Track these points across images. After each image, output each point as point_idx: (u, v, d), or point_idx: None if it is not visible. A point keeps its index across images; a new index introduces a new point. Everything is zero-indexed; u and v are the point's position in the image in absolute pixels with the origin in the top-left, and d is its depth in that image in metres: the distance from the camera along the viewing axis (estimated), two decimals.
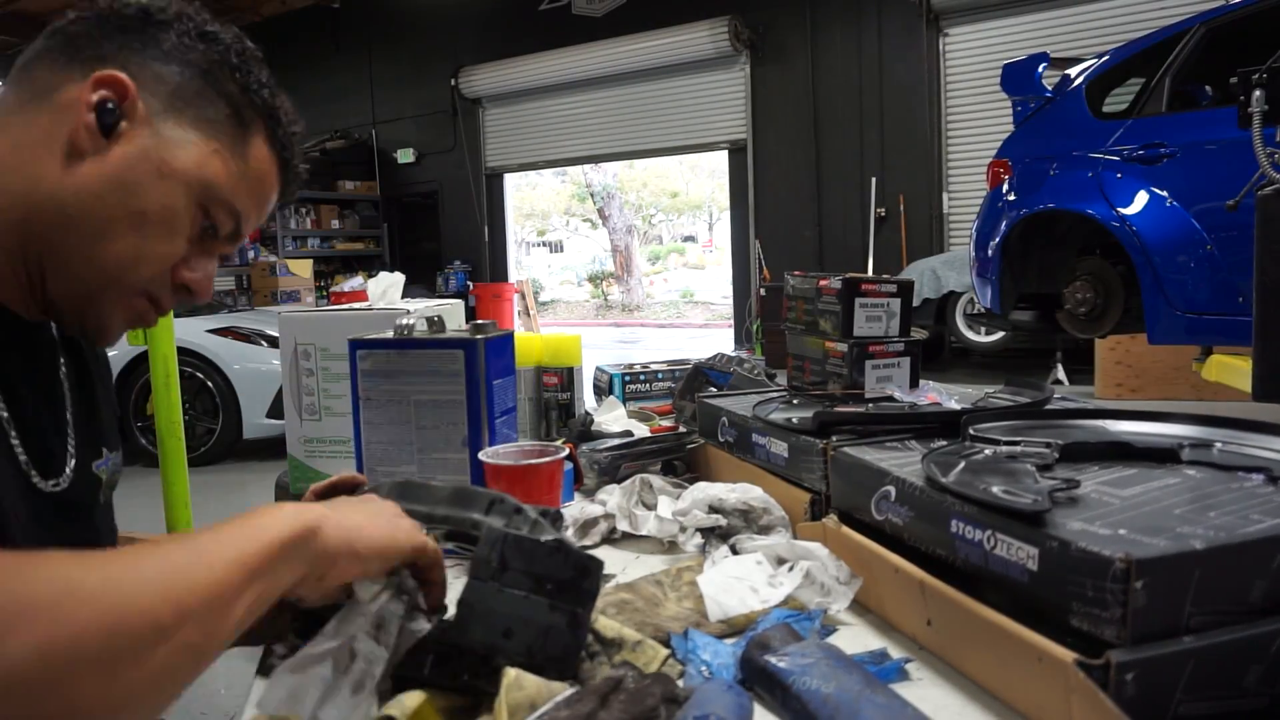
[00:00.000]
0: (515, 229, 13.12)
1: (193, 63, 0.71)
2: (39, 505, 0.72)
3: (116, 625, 0.47)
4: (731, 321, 10.48)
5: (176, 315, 3.22)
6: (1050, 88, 4.29)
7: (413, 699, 0.62)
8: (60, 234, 0.68)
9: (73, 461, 0.77)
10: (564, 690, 0.63)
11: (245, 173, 0.74)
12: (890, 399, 1.20)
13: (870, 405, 1.17)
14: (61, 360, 0.79)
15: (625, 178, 19.73)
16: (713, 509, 1.01)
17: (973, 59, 8.11)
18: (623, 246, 19.49)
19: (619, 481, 1.21)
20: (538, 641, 0.66)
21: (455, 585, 0.70)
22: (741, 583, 0.84)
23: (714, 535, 1.01)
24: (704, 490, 1.02)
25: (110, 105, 0.67)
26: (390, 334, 1.07)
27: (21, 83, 0.70)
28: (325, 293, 10.27)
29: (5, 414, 0.69)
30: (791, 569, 0.86)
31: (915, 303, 5.36)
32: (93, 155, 0.67)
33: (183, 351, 3.64)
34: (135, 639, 0.48)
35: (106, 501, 0.83)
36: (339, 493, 0.82)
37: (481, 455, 0.99)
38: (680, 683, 0.68)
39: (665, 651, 0.72)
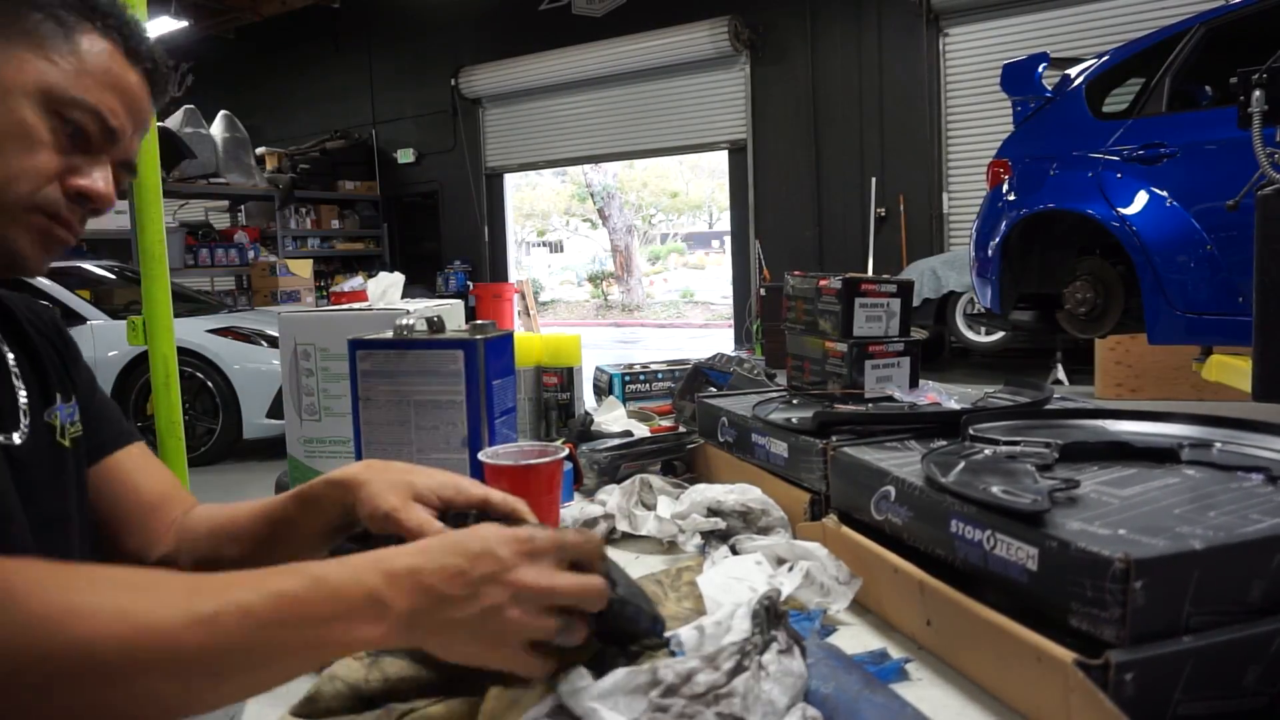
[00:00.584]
0: (515, 229, 13.12)
1: None
2: (10, 460, 0.75)
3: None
4: (731, 321, 10.48)
5: (177, 315, 3.21)
6: (1050, 88, 4.29)
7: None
8: None
9: (26, 415, 0.79)
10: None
11: (82, 67, 0.74)
12: (890, 399, 1.20)
13: (870, 405, 1.17)
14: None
15: (625, 178, 19.73)
16: (711, 511, 1.01)
17: (973, 59, 8.10)
18: (623, 246, 19.49)
19: (619, 481, 1.21)
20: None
21: None
22: (741, 583, 0.84)
23: (714, 536, 1.01)
24: (702, 493, 1.02)
25: None
26: (390, 334, 1.07)
27: None
28: (325, 293, 10.26)
29: None
30: (791, 569, 0.86)
31: (915, 303, 5.36)
32: None
33: (183, 351, 3.64)
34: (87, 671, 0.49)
35: (73, 448, 0.85)
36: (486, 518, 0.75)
37: (481, 455, 0.99)
38: None
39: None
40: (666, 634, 0.74)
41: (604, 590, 0.59)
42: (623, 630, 0.63)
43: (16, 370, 0.81)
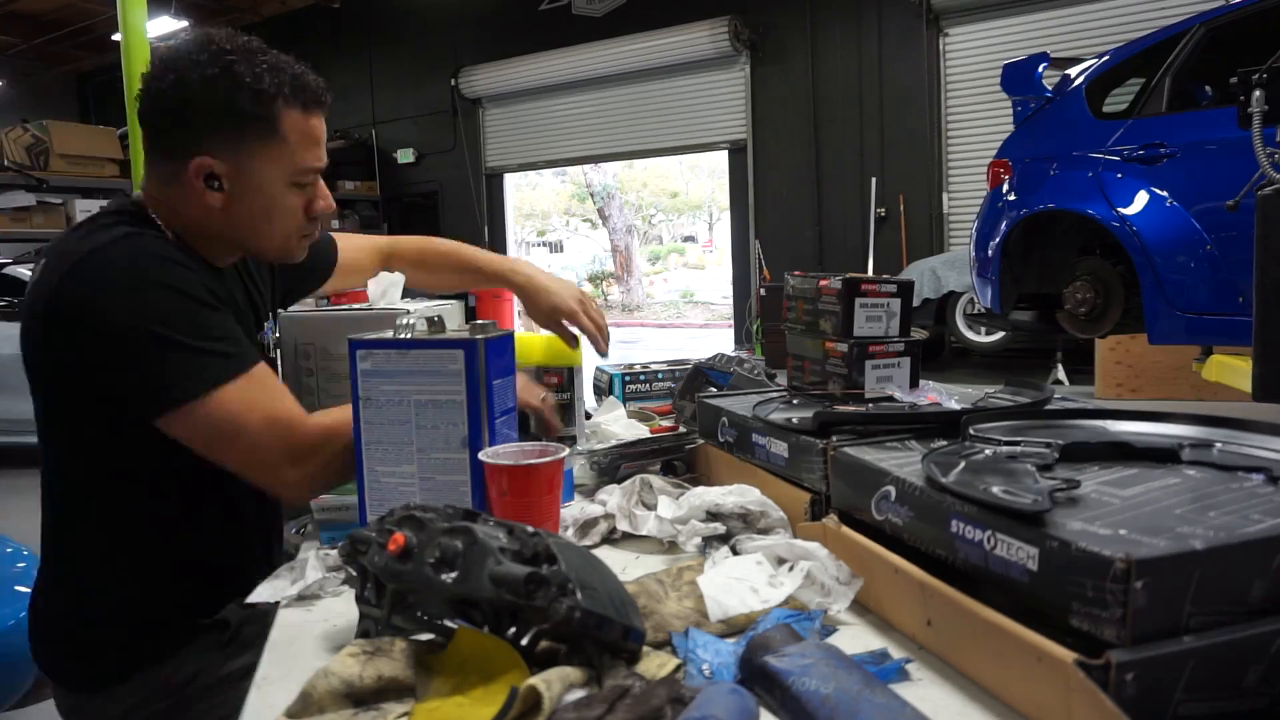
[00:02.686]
0: (515, 229, 13.11)
1: (219, 107, 1.08)
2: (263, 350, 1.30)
3: (345, 455, 1.06)
4: (731, 321, 10.48)
5: None
6: (1050, 88, 4.29)
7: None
8: (232, 235, 1.18)
9: (261, 329, 1.34)
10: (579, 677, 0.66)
11: (296, 140, 1.13)
12: (890, 399, 1.20)
13: (870, 405, 1.17)
14: (243, 281, 1.31)
15: (625, 178, 19.72)
16: (711, 515, 1.01)
17: (973, 59, 8.10)
18: (622, 246, 19.49)
19: (619, 481, 1.21)
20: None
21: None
22: (742, 583, 0.84)
23: (714, 537, 1.01)
24: (701, 496, 1.02)
25: (212, 178, 1.12)
26: (390, 334, 1.07)
27: (154, 166, 1.15)
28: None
29: (242, 303, 1.27)
30: (792, 569, 0.86)
31: (915, 303, 5.36)
32: (218, 204, 1.13)
33: None
34: (347, 455, 1.05)
35: (273, 357, 1.38)
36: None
37: (481, 455, 0.99)
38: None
39: (674, 661, 0.71)
40: (668, 634, 0.74)
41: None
42: (596, 640, 0.69)
43: (247, 305, 1.29)
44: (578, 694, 0.64)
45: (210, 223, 1.14)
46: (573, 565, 0.70)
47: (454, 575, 0.72)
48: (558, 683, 0.64)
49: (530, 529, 0.74)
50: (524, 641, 0.70)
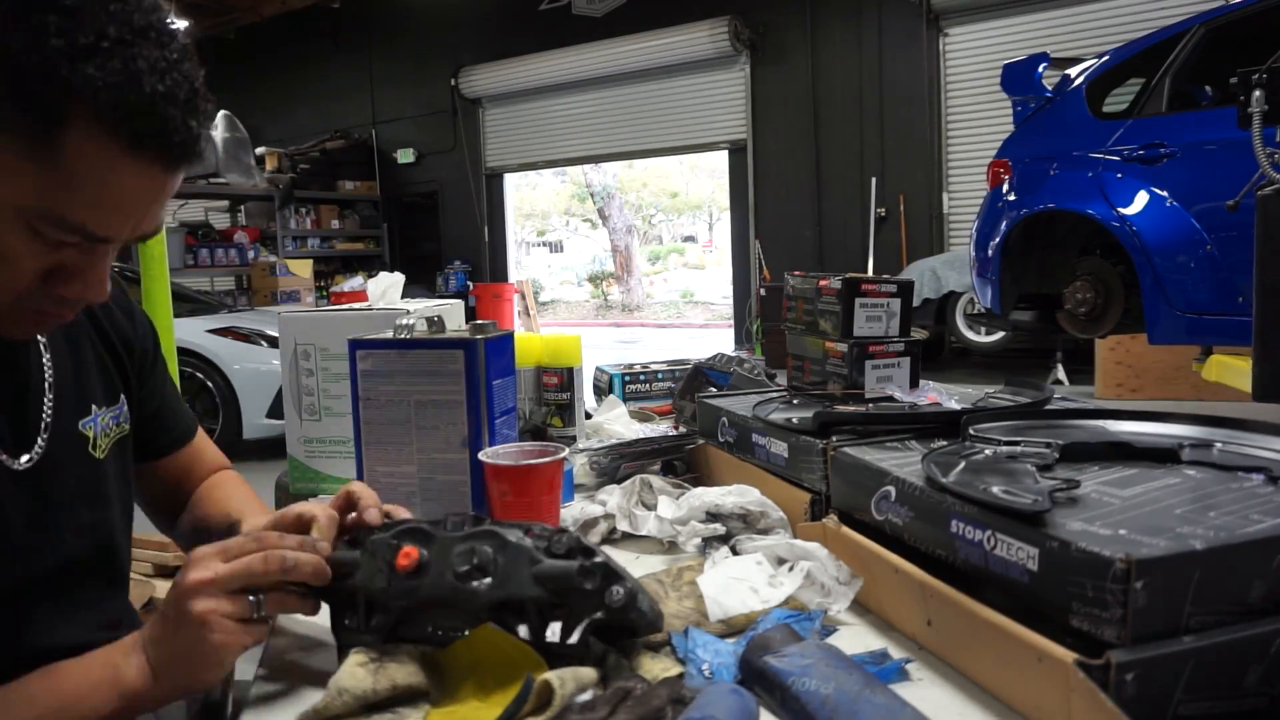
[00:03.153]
0: (515, 229, 13.11)
1: None
2: (16, 483, 0.77)
3: None
4: (731, 321, 10.47)
5: (177, 315, 3.22)
6: (1050, 88, 4.29)
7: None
8: None
9: (46, 431, 0.80)
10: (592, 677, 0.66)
11: (67, 180, 0.60)
12: (890, 399, 1.20)
13: (870, 405, 1.17)
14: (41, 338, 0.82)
15: (625, 178, 19.72)
16: (711, 515, 1.01)
17: (973, 59, 8.10)
18: (623, 246, 19.49)
19: (619, 481, 1.21)
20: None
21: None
22: (742, 583, 0.84)
23: (714, 537, 1.01)
24: (700, 497, 1.02)
25: None
26: (390, 334, 1.07)
27: None
28: (325, 293, 10.27)
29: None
30: (792, 569, 0.86)
31: (915, 303, 5.36)
32: None
33: (183, 351, 3.65)
34: None
35: (110, 457, 0.88)
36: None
37: (481, 455, 0.99)
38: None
39: (678, 668, 0.71)
40: (668, 634, 0.74)
41: (266, 560, 0.69)
42: (633, 621, 0.70)
43: (51, 384, 0.82)
44: (586, 695, 0.64)
45: None
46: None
47: (487, 581, 0.70)
48: (571, 681, 0.64)
49: (549, 527, 0.74)
50: (573, 638, 0.68)
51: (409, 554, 0.71)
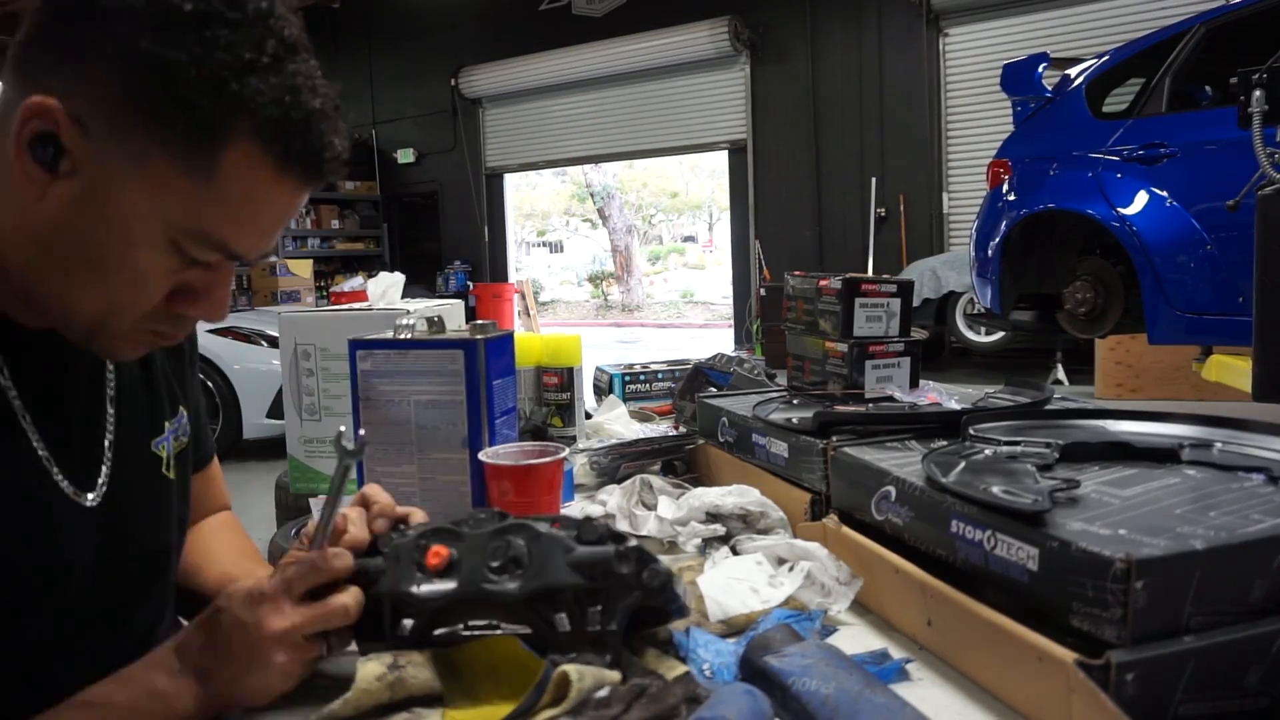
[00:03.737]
0: (515, 229, 13.11)
1: (138, 65, 0.57)
2: (84, 519, 0.72)
3: None
4: (731, 321, 10.48)
5: None
6: (1050, 88, 4.29)
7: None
8: (35, 273, 0.63)
9: (109, 466, 0.75)
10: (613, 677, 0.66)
11: (218, 195, 0.60)
12: (890, 399, 1.20)
13: (870, 405, 1.17)
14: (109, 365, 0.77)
15: (625, 178, 19.73)
16: (711, 516, 1.01)
17: (973, 59, 8.10)
18: (623, 246, 19.49)
19: (619, 481, 1.21)
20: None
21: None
22: (742, 583, 0.83)
23: (714, 537, 1.01)
24: (700, 497, 1.02)
25: (46, 141, 0.58)
26: (390, 334, 1.07)
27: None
28: (325, 293, 10.27)
29: (43, 452, 0.69)
30: (792, 569, 0.86)
31: (915, 303, 5.36)
32: (37, 197, 0.59)
33: None
34: None
35: (176, 474, 0.83)
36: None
37: (482, 455, 0.99)
38: None
39: (683, 667, 0.71)
40: (669, 634, 0.74)
41: (347, 609, 0.68)
42: (667, 603, 0.71)
43: (113, 398, 0.76)
44: (603, 692, 0.64)
45: (9, 223, 0.62)
46: None
47: (521, 574, 0.70)
48: (590, 677, 0.64)
49: (574, 518, 0.74)
50: (613, 625, 0.69)
51: (438, 553, 0.70)
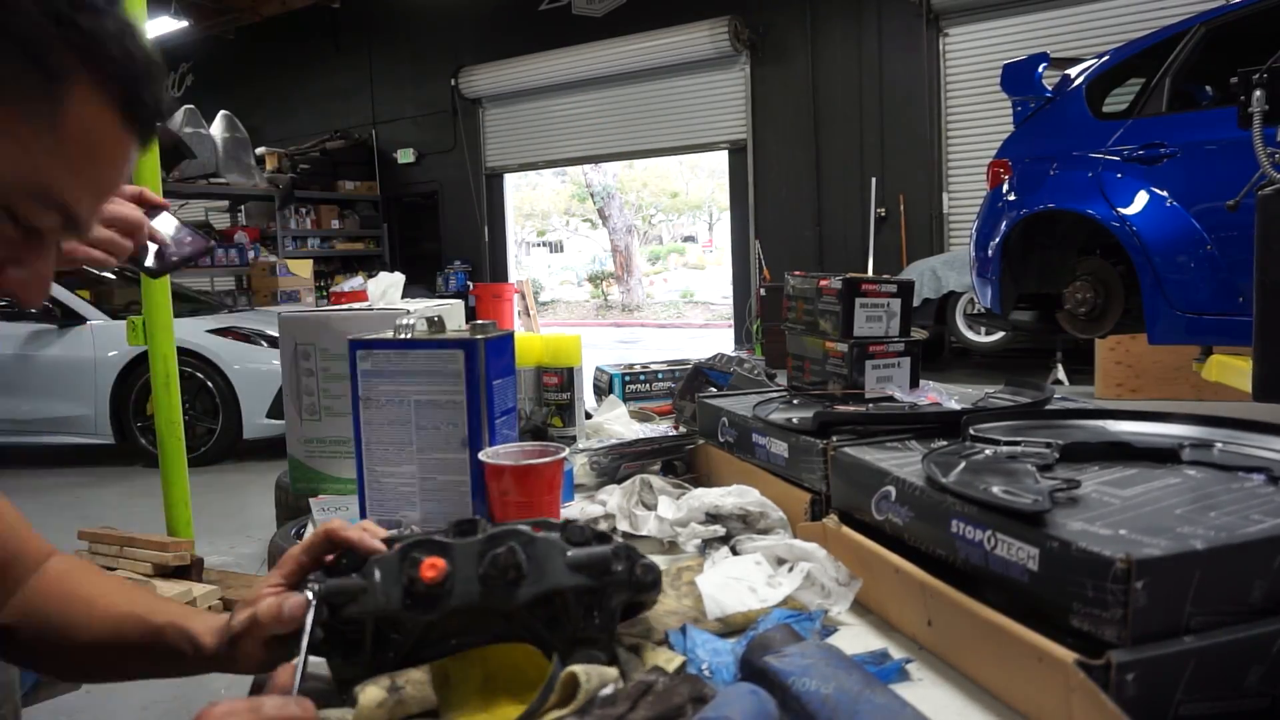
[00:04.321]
0: (515, 229, 13.12)
1: None
2: None
3: None
4: (731, 321, 10.48)
5: (177, 315, 3.22)
6: (1050, 88, 4.29)
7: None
8: None
9: None
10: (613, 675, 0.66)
11: (60, 145, 0.54)
12: (890, 399, 1.20)
13: (870, 405, 1.17)
14: None
15: (625, 178, 19.73)
16: (710, 517, 1.01)
17: (973, 59, 8.10)
18: (623, 246, 19.49)
19: (619, 481, 1.21)
20: None
21: None
22: (740, 582, 0.83)
23: (714, 538, 1.01)
24: (699, 499, 1.02)
25: None
26: (390, 334, 1.07)
27: None
28: (325, 293, 10.27)
29: None
30: (791, 569, 0.86)
31: (915, 303, 5.36)
32: None
33: (183, 351, 3.64)
34: None
35: None
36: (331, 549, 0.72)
37: (482, 455, 0.99)
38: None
39: (680, 658, 0.71)
40: (664, 632, 0.74)
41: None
42: (653, 597, 0.73)
43: None
44: (608, 690, 0.64)
45: None
46: None
47: (522, 580, 0.68)
48: (596, 678, 0.64)
49: (554, 520, 0.74)
50: (611, 623, 0.69)
51: (434, 564, 0.67)
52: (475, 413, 1.02)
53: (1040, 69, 4.30)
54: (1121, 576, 0.56)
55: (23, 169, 0.54)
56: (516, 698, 0.66)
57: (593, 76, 10.23)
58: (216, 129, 9.70)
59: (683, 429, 1.43)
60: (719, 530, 1.00)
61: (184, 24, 11.09)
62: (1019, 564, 0.65)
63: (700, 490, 1.06)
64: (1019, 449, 0.81)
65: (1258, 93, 2.66)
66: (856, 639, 0.78)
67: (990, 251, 4.27)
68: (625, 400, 1.69)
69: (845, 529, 0.88)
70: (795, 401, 1.23)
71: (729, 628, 0.79)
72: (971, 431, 0.88)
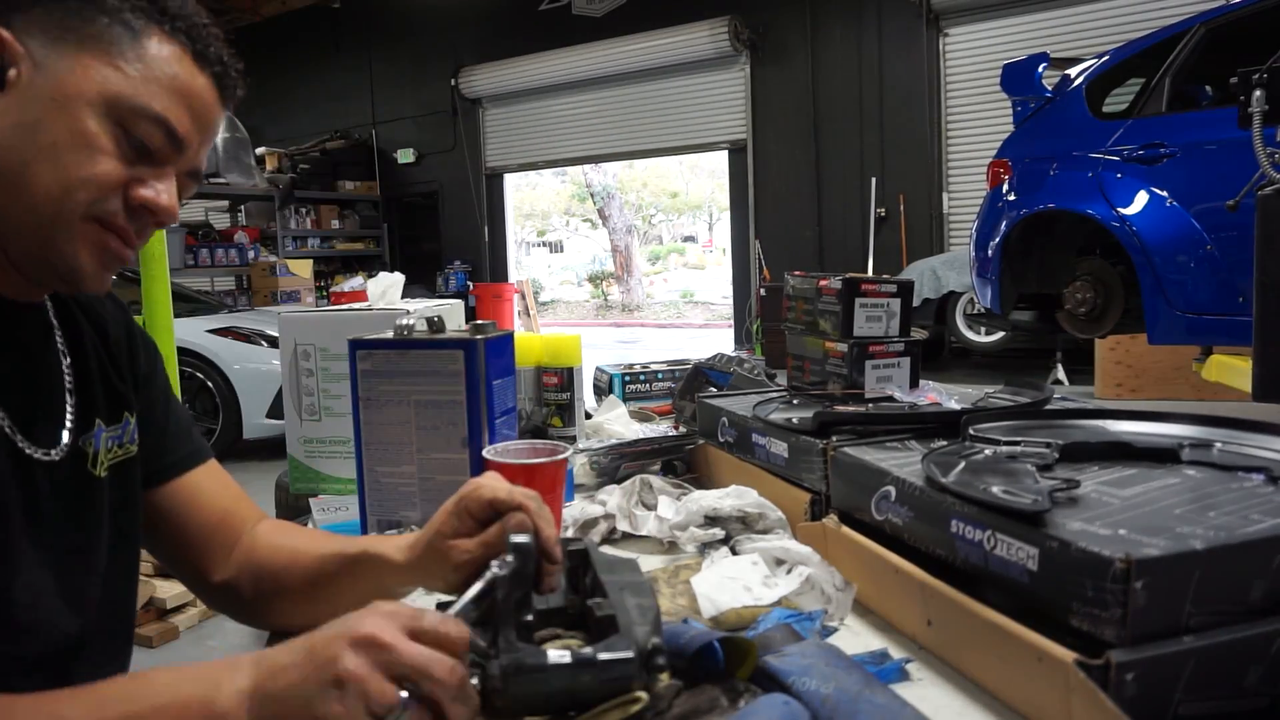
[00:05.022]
0: (515, 229, 13.12)
1: None
2: (33, 474, 0.73)
3: None
4: (731, 321, 10.48)
5: (177, 315, 3.22)
6: (1050, 88, 4.29)
7: None
8: None
9: (67, 435, 0.77)
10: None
11: (149, 73, 0.70)
12: (890, 399, 1.20)
13: (870, 405, 1.17)
14: (59, 338, 0.80)
15: (625, 178, 19.73)
16: (709, 519, 1.01)
17: (973, 59, 8.10)
18: (623, 246, 19.49)
19: (619, 481, 1.21)
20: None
21: None
22: (735, 582, 0.83)
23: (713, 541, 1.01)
24: (698, 501, 1.02)
25: None
26: (390, 334, 1.07)
27: None
28: (325, 293, 10.27)
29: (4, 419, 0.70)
30: (790, 571, 0.86)
31: (915, 303, 5.36)
32: None
33: (183, 351, 3.65)
34: None
35: (112, 478, 0.82)
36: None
37: (486, 452, 0.99)
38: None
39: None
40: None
41: (455, 673, 0.56)
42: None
43: (71, 383, 0.80)
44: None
45: None
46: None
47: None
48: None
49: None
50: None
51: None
52: (475, 413, 1.02)
53: (1040, 69, 4.30)
54: (1121, 576, 0.56)
55: (126, 90, 0.69)
56: None
57: (593, 76, 10.23)
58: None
59: (683, 429, 1.43)
60: (718, 533, 1.00)
61: None
62: (1019, 564, 0.65)
63: (698, 493, 1.05)
64: (1019, 449, 0.81)
65: (1258, 93, 2.66)
66: (856, 639, 0.78)
67: (990, 251, 4.27)
68: (625, 400, 1.69)
69: (845, 529, 0.88)
70: (795, 401, 1.23)
71: (725, 627, 0.79)
72: (971, 431, 0.88)
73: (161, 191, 0.72)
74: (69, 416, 0.78)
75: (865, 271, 7.21)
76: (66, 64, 0.68)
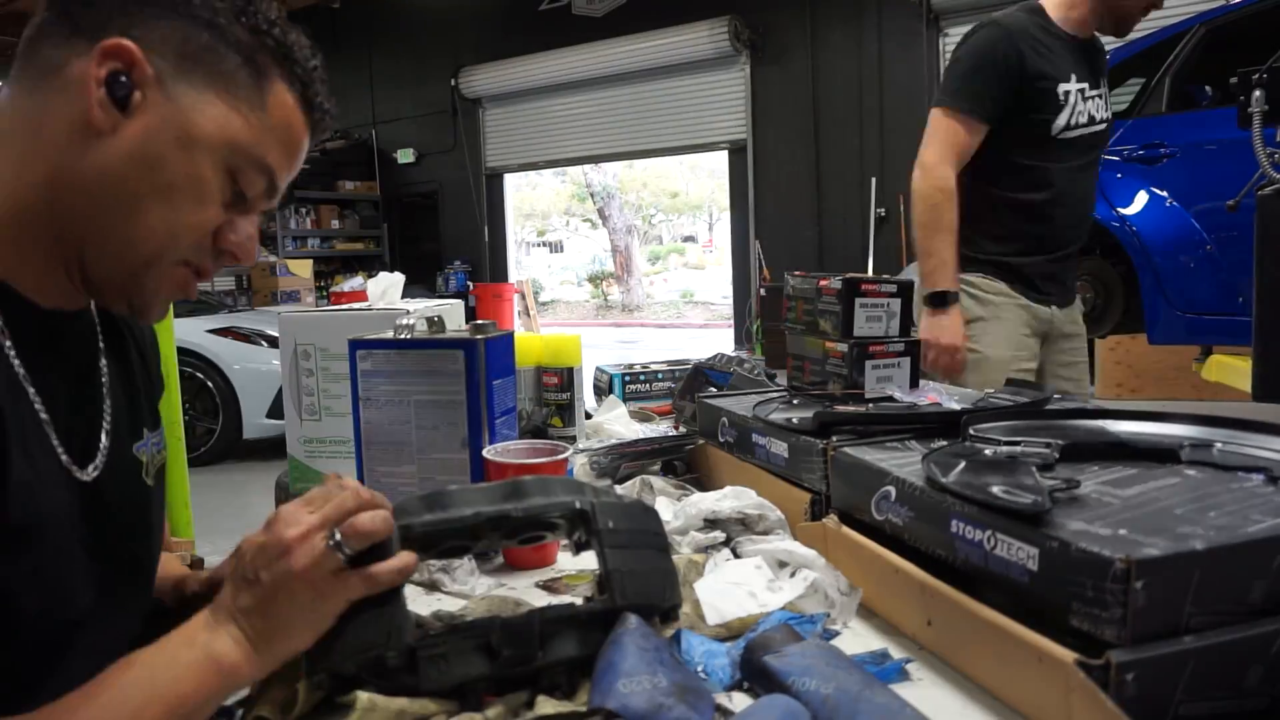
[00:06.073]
0: (515, 229, 13.11)
1: (197, 15, 0.67)
2: (82, 496, 0.71)
3: None
4: (731, 321, 10.47)
5: (177, 315, 3.22)
6: None
7: None
8: (90, 217, 0.67)
9: (106, 447, 0.75)
10: None
11: (268, 125, 0.71)
12: (890, 399, 1.20)
13: (870, 405, 1.17)
14: (101, 345, 0.78)
15: (625, 178, 19.72)
16: (709, 522, 1.01)
17: None
18: (623, 246, 19.49)
19: (619, 482, 1.21)
20: (661, 589, 0.73)
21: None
22: (740, 588, 0.83)
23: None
24: (697, 504, 1.02)
25: (121, 77, 0.64)
26: (390, 334, 1.07)
27: (30, 61, 0.67)
28: (325, 293, 10.27)
29: (44, 415, 0.68)
30: (793, 574, 0.86)
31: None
32: (110, 133, 0.65)
33: (183, 351, 3.64)
34: None
35: (156, 484, 0.82)
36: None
37: (486, 452, 0.99)
38: None
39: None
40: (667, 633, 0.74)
41: (360, 492, 0.66)
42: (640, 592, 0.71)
43: (120, 392, 0.79)
44: None
45: (66, 170, 0.65)
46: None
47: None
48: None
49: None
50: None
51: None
52: (475, 413, 1.02)
53: None
54: (1121, 576, 0.56)
55: (247, 140, 0.69)
56: None
57: (593, 76, 10.22)
58: None
59: (683, 429, 1.43)
60: (719, 536, 1.00)
61: None
62: (1019, 564, 0.65)
63: (697, 495, 1.05)
64: (1019, 449, 0.81)
65: (1258, 93, 2.66)
66: (856, 639, 0.78)
67: None
68: (625, 400, 1.69)
69: (845, 529, 0.88)
70: (795, 401, 1.23)
71: (729, 632, 0.79)
72: (971, 431, 0.88)
73: (245, 238, 0.73)
74: (105, 427, 0.76)
75: (865, 271, 7.20)
76: (192, 100, 0.67)
